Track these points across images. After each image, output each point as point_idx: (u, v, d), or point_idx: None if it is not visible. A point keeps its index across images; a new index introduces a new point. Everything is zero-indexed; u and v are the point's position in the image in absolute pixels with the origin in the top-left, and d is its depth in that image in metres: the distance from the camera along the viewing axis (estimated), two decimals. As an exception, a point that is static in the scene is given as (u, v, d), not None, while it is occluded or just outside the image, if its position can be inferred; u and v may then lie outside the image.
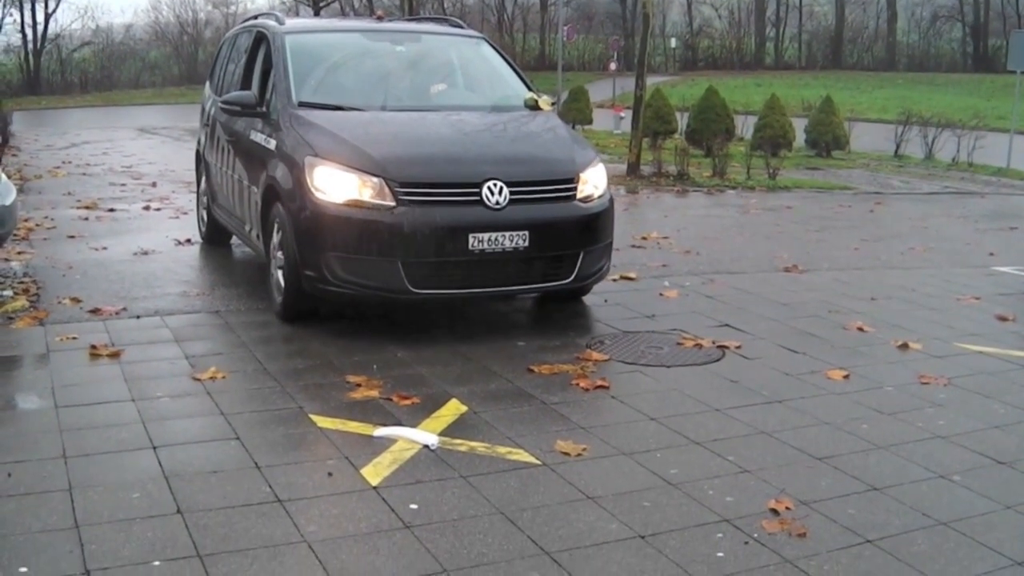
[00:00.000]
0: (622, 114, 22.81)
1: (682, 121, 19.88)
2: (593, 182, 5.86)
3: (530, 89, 6.76)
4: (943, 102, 29.19)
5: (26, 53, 43.88)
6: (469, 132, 5.98)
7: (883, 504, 3.61)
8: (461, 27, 7.58)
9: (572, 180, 5.74)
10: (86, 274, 6.95)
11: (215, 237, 8.11)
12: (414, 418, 4.32)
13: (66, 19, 70.38)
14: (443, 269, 5.39)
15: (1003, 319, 6.43)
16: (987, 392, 4.92)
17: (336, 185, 5.37)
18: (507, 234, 5.35)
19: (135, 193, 11.43)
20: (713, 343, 5.60)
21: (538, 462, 3.89)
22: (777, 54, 56.60)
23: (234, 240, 7.95)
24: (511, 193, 5.41)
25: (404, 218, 5.27)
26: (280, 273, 5.78)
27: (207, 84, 8.61)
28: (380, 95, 6.40)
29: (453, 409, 4.45)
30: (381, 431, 4.14)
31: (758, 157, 14.91)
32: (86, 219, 9.40)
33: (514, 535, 3.29)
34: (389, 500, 3.51)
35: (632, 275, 7.31)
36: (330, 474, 3.72)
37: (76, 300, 6.17)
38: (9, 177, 7.36)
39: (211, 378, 4.76)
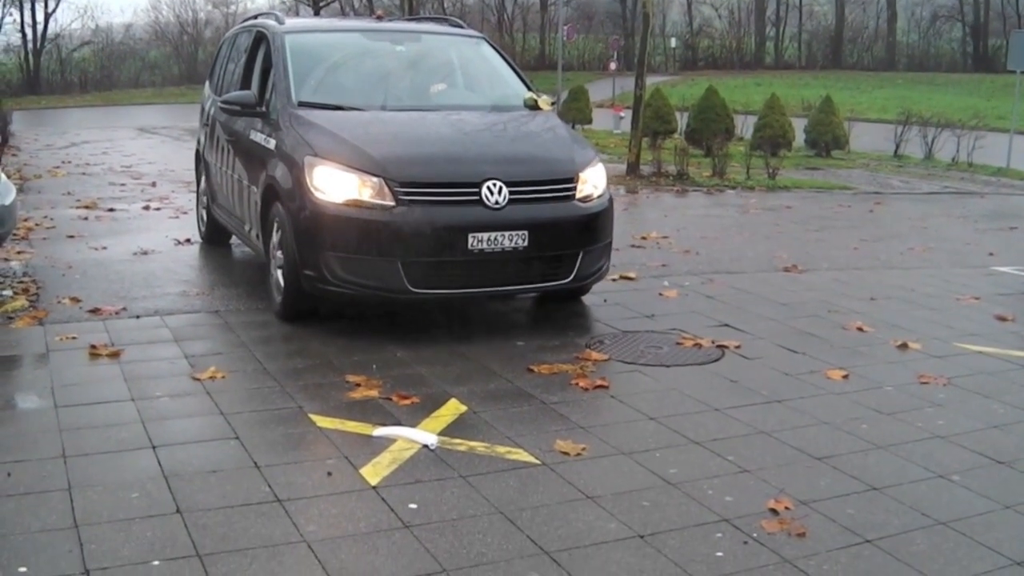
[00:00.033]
0: (622, 114, 22.81)
1: (682, 121, 19.88)
2: (592, 182, 5.87)
3: (530, 89, 6.75)
4: (943, 102, 29.19)
5: (26, 53, 43.84)
6: (469, 132, 5.98)
7: (882, 504, 3.61)
8: (461, 27, 7.58)
9: (571, 180, 5.74)
10: (86, 274, 6.95)
11: (215, 237, 8.11)
12: (413, 418, 4.32)
13: (66, 19, 70.88)
14: (443, 269, 5.39)
15: (1003, 319, 6.43)
16: (986, 392, 4.92)
17: (336, 185, 5.38)
18: (506, 234, 5.36)
19: (135, 193, 11.43)
20: (712, 343, 5.60)
21: (537, 462, 3.89)
22: (777, 54, 56.61)
23: (234, 240, 7.95)
24: (510, 193, 5.41)
25: (404, 218, 5.28)
26: (280, 273, 5.78)
27: (207, 84, 8.61)
28: (380, 95, 6.40)
29: (452, 409, 4.45)
30: (380, 431, 4.14)
31: (758, 157, 14.91)
32: (86, 219, 9.40)
33: (513, 535, 3.29)
34: (388, 500, 3.51)
35: (631, 275, 7.31)
36: (329, 474, 3.72)
37: (76, 300, 6.17)
38: (9, 177, 7.37)
39: (211, 378, 4.76)
